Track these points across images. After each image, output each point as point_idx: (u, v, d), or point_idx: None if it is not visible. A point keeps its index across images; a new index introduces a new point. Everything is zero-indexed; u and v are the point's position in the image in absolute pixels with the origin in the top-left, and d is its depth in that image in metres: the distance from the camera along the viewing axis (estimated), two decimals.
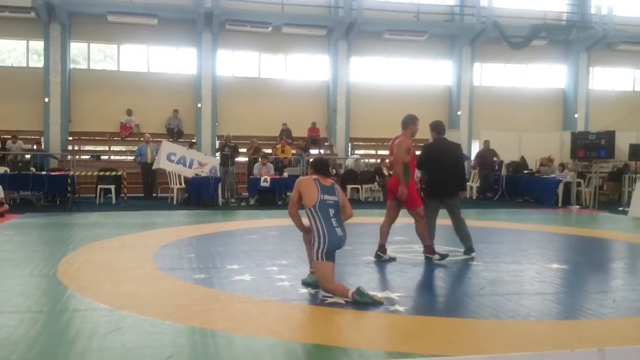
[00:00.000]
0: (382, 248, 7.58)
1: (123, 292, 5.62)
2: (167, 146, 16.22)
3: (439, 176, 7.75)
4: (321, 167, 5.89)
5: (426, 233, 7.55)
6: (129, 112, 20.93)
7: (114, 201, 15.18)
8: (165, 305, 5.20)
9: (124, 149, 20.97)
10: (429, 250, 7.55)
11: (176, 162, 15.87)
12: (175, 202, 15.31)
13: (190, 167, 15.81)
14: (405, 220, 8.05)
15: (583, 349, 3.38)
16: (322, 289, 5.58)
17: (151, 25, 20.62)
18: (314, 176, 5.79)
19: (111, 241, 8.79)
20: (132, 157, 17.75)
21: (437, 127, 8.01)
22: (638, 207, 13.65)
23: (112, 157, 20.80)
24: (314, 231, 5.54)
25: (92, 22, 20.60)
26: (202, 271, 6.63)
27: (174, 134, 20.90)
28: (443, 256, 7.51)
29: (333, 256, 5.56)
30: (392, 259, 7.52)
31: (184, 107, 21.41)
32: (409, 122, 7.46)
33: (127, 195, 15.32)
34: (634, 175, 16.41)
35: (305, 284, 5.93)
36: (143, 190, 16.87)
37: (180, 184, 15.66)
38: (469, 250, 7.83)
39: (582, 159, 16.05)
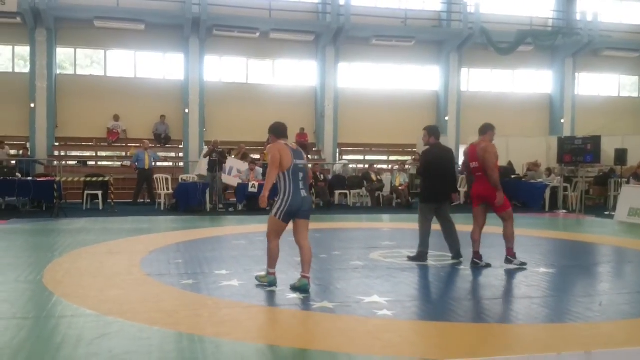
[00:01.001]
0: (477, 255, 7.56)
1: (110, 298, 5.57)
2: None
3: (438, 181, 7.73)
4: (280, 130, 6.09)
5: (513, 236, 7.64)
6: (116, 118, 20.84)
7: (101, 207, 15.08)
8: (152, 311, 5.15)
9: (110, 155, 20.88)
10: (512, 254, 7.57)
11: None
12: (162, 208, 15.24)
13: (229, 174, 16.02)
14: (394, 225, 8.05)
15: (570, 352, 3.40)
16: (267, 236, 6.05)
17: (138, 30, 20.55)
18: (282, 141, 6.00)
19: (98, 247, 8.72)
20: (120, 163, 17.67)
21: (436, 133, 8.07)
22: (624, 211, 13.77)
23: (99, 163, 20.70)
24: (281, 190, 5.91)
25: (78, 27, 20.50)
26: (190, 277, 6.60)
27: (161, 139, 20.85)
28: (523, 264, 7.50)
29: (289, 219, 5.93)
30: (489, 265, 7.50)
31: (172, 113, 21.35)
32: (488, 129, 7.70)
33: (114, 201, 15.22)
34: (619, 180, 16.52)
35: (294, 288, 5.90)
36: (133, 196, 16.68)
37: (168, 189, 15.59)
38: (457, 255, 7.84)
39: (568, 163, 16.13)
